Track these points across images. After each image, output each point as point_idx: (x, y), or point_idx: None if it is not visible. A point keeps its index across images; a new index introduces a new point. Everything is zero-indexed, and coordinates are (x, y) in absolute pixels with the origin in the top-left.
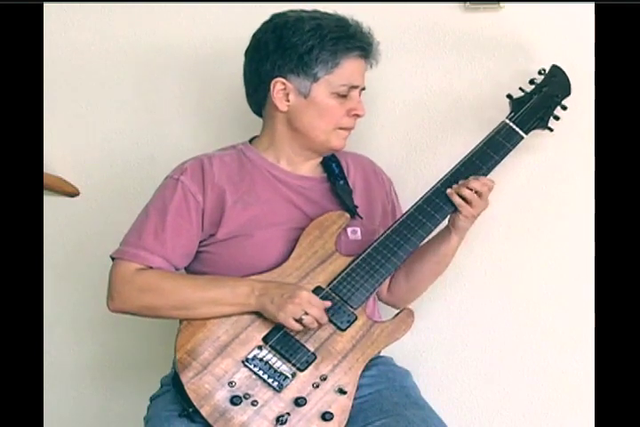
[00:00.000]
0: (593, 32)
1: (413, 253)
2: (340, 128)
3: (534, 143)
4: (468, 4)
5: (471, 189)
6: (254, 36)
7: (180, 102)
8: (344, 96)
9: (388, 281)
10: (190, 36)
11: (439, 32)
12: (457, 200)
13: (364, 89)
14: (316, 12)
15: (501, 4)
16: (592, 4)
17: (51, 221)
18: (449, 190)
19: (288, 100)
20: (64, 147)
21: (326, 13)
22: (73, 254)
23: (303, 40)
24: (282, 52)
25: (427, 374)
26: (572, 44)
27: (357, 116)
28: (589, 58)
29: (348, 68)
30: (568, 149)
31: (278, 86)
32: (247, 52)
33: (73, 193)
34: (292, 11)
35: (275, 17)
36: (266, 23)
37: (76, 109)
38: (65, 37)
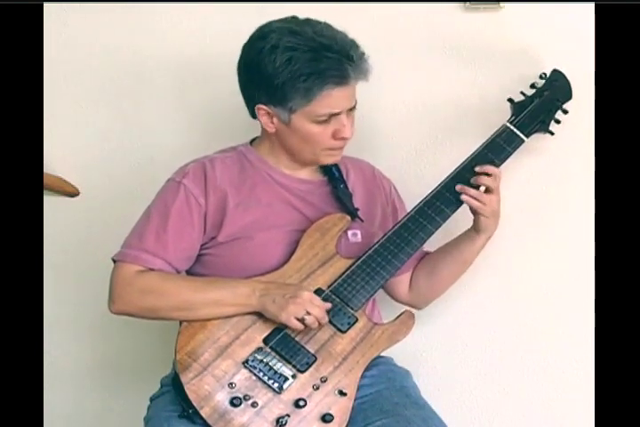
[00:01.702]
0: (593, 31)
1: (438, 252)
2: (328, 149)
3: (535, 146)
4: (467, 4)
5: (478, 187)
6: (242, 50)
7: (180, 103)
8: (326, 122)
9: (408, 281)
10: (191, 36)
11: (439, 32)
12: (475, 204)
13: (353, 108)
14: (297, 34)
15: (501, 4)
16: (592, 4)
17: (51, 221)
18: (464, 197)
19: (273, 123)
20: (64, 147)
21: (306, 37)
22: (73, 254)
23: (275, 74)
24: (258, 82)
25: (427, 374)
26: (572, 44)
27: (344, 139)
28: (589, 58)
29: (325, 100)
30: (569, 152)
31: (262, 112)
32: (238, 66)
33: (73, 193)
34: (278, 25)
35: (258, 36)
36: (252, 40)
37: (76, 109)
38: (65, 37)
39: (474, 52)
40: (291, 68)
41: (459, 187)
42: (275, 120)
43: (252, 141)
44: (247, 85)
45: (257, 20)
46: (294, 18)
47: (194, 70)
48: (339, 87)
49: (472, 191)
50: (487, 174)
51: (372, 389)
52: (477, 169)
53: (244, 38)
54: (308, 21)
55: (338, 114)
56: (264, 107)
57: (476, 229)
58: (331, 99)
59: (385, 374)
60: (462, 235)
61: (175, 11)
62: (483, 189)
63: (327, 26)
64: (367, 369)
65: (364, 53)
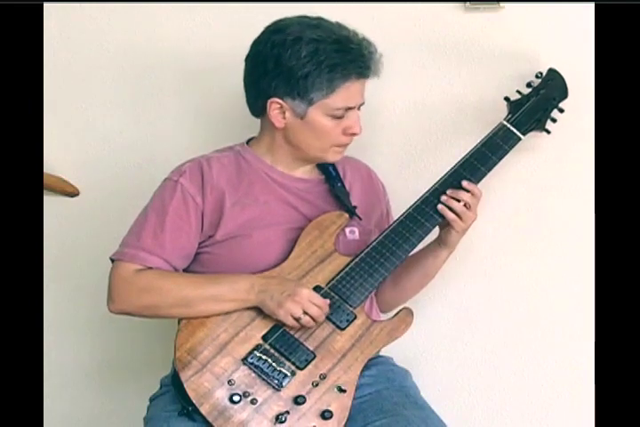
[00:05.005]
0: (593, 31)
1: (403, 264)
2: (336, 145)
3: (534, 144)
4: (468, 4)
5: (459, 201)
6: (254, 44)
7: (180, 103)
8: (341, 117)
9: None
10: (190, 36)
11: (439, 32)
12: (450, 216)
13: (362, 104)
14: (317, 27)
15: (501, 3)
16: (592, 4)
17: (51, 221)
18: (440, 206)
19: (284, 118)
20: (64, 147)
21: (327, 30)
22: (73, 254)
23: (300, 65)
24: (279, 73)
25: (427, 374)
26: (573, 44)
27: (354, 134)
28: (589, 57)
29: (345, 92)
30: (568, 151)
31: (274, 106)
32: (247, 60)
33: (73, 193)
34: (294, 20)
35: (275, 30)
36: (266, 34)
37: (76, 109)
38: (65, 37)
39: (474, 52)
40: (317, 58)
41: (444, 198)
42: (287, 115)
43: (248, 141)
44: (261, 78)
45: (259, 25)
46: (305, 16)
47: (194, 70)
48: (359, 80)
49: (455, 204)
50: (467, 190)
51: (371, 388)
52: (464, 184)
53: (246, 39)
54: (320, 18)
55: (351, 108)
56: (278, 100)
57: (441, 242)
58: (350, 92)
59: (384, 373)
60: (425, 249)
61: (176, 11)
62: (462, 203)
63: (338, 23)
64: (367, 369)
65: (376, 48)
